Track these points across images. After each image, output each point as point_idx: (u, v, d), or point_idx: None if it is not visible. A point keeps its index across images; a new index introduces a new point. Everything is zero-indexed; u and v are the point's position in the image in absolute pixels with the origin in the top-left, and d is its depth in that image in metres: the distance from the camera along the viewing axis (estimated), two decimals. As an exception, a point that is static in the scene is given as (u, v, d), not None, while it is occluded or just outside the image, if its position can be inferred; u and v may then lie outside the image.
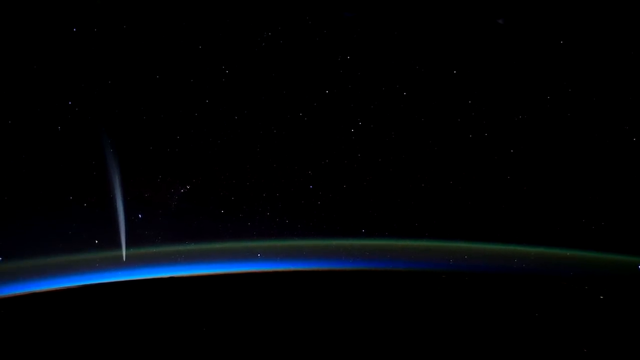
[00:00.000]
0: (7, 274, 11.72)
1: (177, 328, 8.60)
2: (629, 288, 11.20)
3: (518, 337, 7.77)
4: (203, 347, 7.48)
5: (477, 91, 12.17)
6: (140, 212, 13.19)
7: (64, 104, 11.74)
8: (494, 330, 8.24)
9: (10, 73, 11.11)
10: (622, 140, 11.51)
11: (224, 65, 12.25)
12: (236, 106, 12.80)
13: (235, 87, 12.53)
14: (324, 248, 14.11)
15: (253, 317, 9.37)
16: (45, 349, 7.56)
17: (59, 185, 12.30)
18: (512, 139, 12.37)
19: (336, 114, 12.82)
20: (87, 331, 8.54)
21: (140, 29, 11.49)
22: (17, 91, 11.33)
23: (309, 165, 13.41)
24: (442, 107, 12.52)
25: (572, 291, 11.36)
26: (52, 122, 11.78)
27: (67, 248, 12.48)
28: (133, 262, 13.13)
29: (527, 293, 11.39)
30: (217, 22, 11.79)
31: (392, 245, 13.87)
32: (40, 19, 10.69)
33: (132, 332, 8.42)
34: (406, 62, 12.21)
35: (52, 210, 12.37)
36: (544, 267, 12.70)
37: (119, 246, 12.67)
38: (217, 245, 14.01)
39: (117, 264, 12.83)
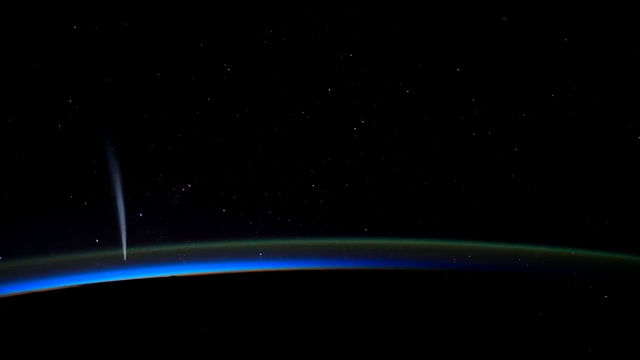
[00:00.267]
0: (7, 273, 11.72)
1: (179, 328, 8.57)
2: (634, 288, 11.15)
3: (522, 337, 7.74)
4: (204, 347, 7.45)
5: (480, 89, 12.15)
6: (141, 211, 13.21)
7: (64, 102, 11.73)
8: (498, 330, 8.21)
9: (10, 71, 11.08)
10: (627, 138, 11.48)
11: (226, 63, 12.23)
12: (238, 104, 12.79)
13: (237, 85, 12.51)
14: (326, 247, 14.11)
15: (254, 317, 9.35)
16: (46, 348, 7.54)
17: (59, 183, 12.29)
18: (516, 137, 12.34)
19: (338, 112, 12.81)
20: (88, 331, 8.52)
21: (141, 26, 11.45)
22: (17, 89, 11.31)
23: (311, 164, 13.41)
24: (445, 105, 12.50)
25: (576, 291, 11.31)
26: (52, 120, 11.78)
27: (67, 247, 12.49)
28: (134, 262, 13.15)
29: (531, 293, 11.34)
30: (219, 20, 11.75)
31: (395, 244, 13.87)
32: (40, 16, 10.65)
33: (133, 332, 8.39)
34: (409, 59, 12.17)
35: (53, 209, 12.36)
36: (548, 267, 12.70)
37: (120, 245, 12.69)
38: (219, 245, 14.02)
39: (117, 263, 12.85)
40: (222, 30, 11.86)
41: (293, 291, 12.09)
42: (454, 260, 13.40)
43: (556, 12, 10.89)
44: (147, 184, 13.32)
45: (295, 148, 13.29)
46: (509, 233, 12.91)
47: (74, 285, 12.50)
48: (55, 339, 8.00)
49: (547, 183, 12.53)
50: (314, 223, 13.88)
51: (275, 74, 12.48)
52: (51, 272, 12.36)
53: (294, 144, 13.24)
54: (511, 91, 12.08)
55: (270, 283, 13.29)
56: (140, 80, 12.18)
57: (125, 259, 12.80)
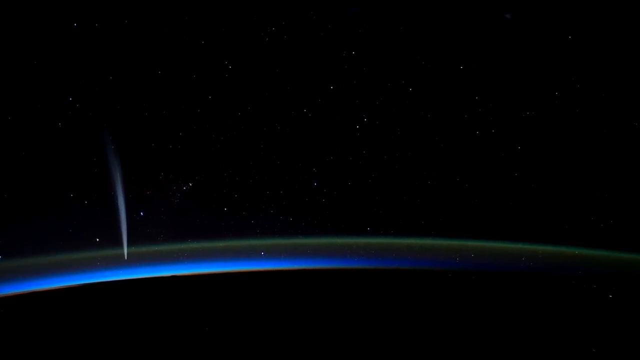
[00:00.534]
0: (7, 272, 11.71)
1: (180, 327, 8.57)
2: (638, 287, 11.12)
3: (526, 336, 7.73)
4: (205, 346, 7.45)
5: (483, 87, 12.10)
6: (142, 210, 13.19)
7: (64, 100, 11.68)
8: (501, 329, 8.20)
9: (11, 69, 11.06)
10: (631, 137, 11.45)
11: (227, 61, 12.18)
12: (239, 102, 12.75)
13: (239, 83, 12.47)
14: (328, 246, 14.11)
15: (256, 316, 9.36)
16: (46, 348, 7.53)
17: (59, 182, 12.27)
18: (520, 136, 12.30)
19: (341, 111, 12.78)
20: (89, 330, 8.51)
21: (142, 24, 11.42)
22: (18, 87, 11.28)
23: (313, 163, 13.39)
24: (448, 104, 12.47)
25: (580, 290, 11.30)
26: (52, 118, 11.75)
27: (68, 246, 12.49)
28: (135, 261, 13.15)
29: (535, 292, 11.34)
30: (220, 18, 11.72)
31: (398, 243, 13.87)
32: (40, 14, 10.61)
33: (134, 331, 8.39)
34: (412, 57, 12.14)
35: (53, 208, 12.36)
36: (551, 266, 12.70)
37: (121, 244, 12.68)
38: (220, 244, 14.03)
39: (118, 263, 12.86)
40: (224, 28, 11.83)
41: (295, 290, 12.10)
42: (457, 260, 13.40)
43: (560, 10, 10.86)
44: (148, 183, 13.32)
45: (297, 146, 13.29)
46: (513, 232, 12.91)
47: (74, 284, 12.52)
48: (56, 339, 8.00)
49: (551, 182, 12.51)
50: (316, 222, 13.91)
51: (277, 72, 12.46)
52: (51, 271, 12.38)
53: (295, 143, 13.22)
54: (515, 89, 12.06)
55: (272, 282, 13.29)
56: (141, 78, 12.17)
57: (126, 258, 12.82)
